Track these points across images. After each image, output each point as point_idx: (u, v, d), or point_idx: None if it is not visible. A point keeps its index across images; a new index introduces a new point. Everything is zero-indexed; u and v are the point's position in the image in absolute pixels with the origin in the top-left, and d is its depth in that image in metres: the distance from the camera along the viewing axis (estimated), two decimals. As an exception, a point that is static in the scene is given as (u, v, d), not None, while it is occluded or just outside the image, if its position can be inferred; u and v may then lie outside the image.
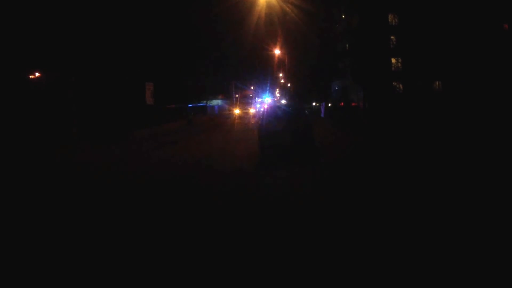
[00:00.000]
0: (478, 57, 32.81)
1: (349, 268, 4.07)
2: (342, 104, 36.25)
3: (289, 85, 67.14)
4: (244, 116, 46.61)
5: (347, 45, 45.72)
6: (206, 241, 5.08)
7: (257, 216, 6.10)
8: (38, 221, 6.55)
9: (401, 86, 39.73)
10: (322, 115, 37.29)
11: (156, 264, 4.40)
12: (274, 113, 13.80)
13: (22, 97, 21.66)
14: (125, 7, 26.04)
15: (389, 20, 40.13)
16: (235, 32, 39.85)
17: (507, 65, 31.53)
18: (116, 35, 25.37)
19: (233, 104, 60.57)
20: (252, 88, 71.59)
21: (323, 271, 4.06)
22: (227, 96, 61.48)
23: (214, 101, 57.75)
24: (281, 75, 69.01)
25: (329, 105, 39.37)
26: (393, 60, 40.40)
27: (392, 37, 39.84)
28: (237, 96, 64.02)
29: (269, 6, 35.22)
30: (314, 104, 50.86)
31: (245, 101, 68.36)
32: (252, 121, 33.76)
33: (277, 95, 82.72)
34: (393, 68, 40.42)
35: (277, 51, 50.16)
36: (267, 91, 62.64)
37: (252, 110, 52.66)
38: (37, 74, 25.48)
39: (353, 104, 35.40)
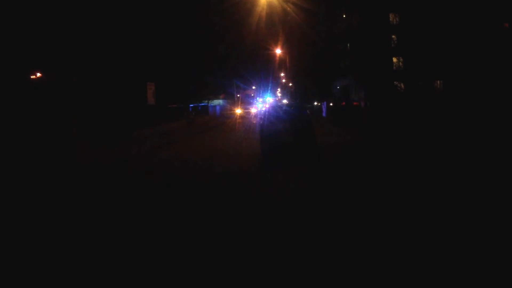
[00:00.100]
0: (479, 56, 32.72)
1: (349, 267, 4.07)
2: (344, 103, 36.24)
3: (290, 84, 67.12)
4: (246, 116, 46.62)
5: (348, 45, 45.71)
6: (206, 241, 5.07)
7: (257, 216, 6.09)
8: (39, 222, 6.55)
9: (402, 85, 39.66)
10: (323, 114, 37.27)
11: (157, 264, 4.40)
12: (275, 113, 13.77)
13: (23, 97, 21.68)
14: (127, 7, 26.05)
15: (390, 19, 40.10)
16: (236, 31, 39.74)
17: (508, 64, 31.43)
18: (117, 35, 25.37)
19: (234, 104, 60.48)
20: (253, 87, 71.54)
21: (323, 269, 4.05)
22: (229, 95, 61.40)
23: (215, 100, 57.71)
24: (282, 74, 68.98)
25: (331, 104, 39.36)
26: (395, 60, 40.36)
27: (393, 36, 39.80)
28: (238, 95, 63.93)
29: (270, 6, 35.17)
30: (315, 103, 50.85)
31: (247, 101, 68.31)
32: (254, 120, 33.77)
33: (279, 94, 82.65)
34: (394, 68, 40.38)
35: (278, 51, 50.12)
36: (269, 91, 62.58)
37: (253, 110, 52.62)
38: (38, 74, 25.50)
39: (354, 103, 35.37)
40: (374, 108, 31.08)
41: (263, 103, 55.96)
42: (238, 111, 48.14)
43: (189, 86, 36.72)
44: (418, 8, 35.74)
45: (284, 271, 4.09)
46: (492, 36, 33.58)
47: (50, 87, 23.88)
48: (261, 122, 13.79)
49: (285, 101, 64.09)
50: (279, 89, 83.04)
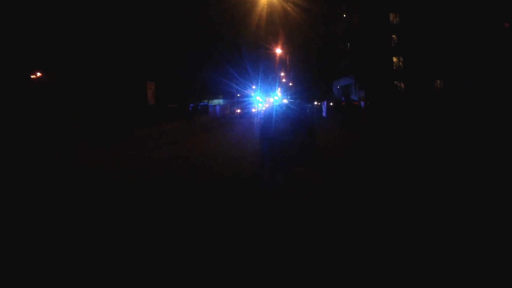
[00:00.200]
0: (479, 56, 32.72)
1: (349, 266, 4.07)
2: (344, 103, 36.24)
3: (290, 84, 67.15)
4: (246, 116, 46.64)
5: (348, 44, 45.73)
6: (207, 241, 5.08)
7: (257, 216, 6.09)
8: (39, 222, 6.55)
9: (402, 85, 39.72)
10: (323, 114, 37.28)
11: (157, 264, 4.40)
12: (275, 113, 13.77)
13: (23, 97, 21.68)
14: (126, 7, 26.05)
15: (391, 19, 40.13)
16: (237, 31, 39.78)
17: (508, 64, 31.42)
18: (117, 35, 25.37)
19: (234, 104, 60.54)
20: (253, 87, 71.63)
21: (323, 268, 4.05)
22: (229, 95, 61.38)
23: (215, 100, 57.70)
24: (282, 74, 69.01)
25: (331, 104, 39.38)
26: (395, 59, 40.39)
27: (393, 36, 39.83)
28: (238, 95, 63.93)
29: (270, 5, 35.19)
30: (315, 103, 50.86)
31: (247, 101, 68.35)
32: (254, 120, 33.79)
33: (279, 94, 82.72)
34: (394, 67, 40.41)
35: (278, 50, 50.16)
36: (269, 91, 62.64)
37: (253, 110, 52.66)
38: (38, 74, 25.51)
39: (355, 103, 35.39)
40: (374, 108, 31.08)
41: (263, 103, 56.02)
42: (238, 110, 48.17)
43: (189, 86, 36.72)
44: (418, 8, 35.76)
45: (284, 271, 4.10)
46: (492, 36, 33.55)
47: (50, 87, 23.88)
48: (261, 122, 13.80)
49: (285, 100, 64.10)
50: (279, 89, 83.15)
